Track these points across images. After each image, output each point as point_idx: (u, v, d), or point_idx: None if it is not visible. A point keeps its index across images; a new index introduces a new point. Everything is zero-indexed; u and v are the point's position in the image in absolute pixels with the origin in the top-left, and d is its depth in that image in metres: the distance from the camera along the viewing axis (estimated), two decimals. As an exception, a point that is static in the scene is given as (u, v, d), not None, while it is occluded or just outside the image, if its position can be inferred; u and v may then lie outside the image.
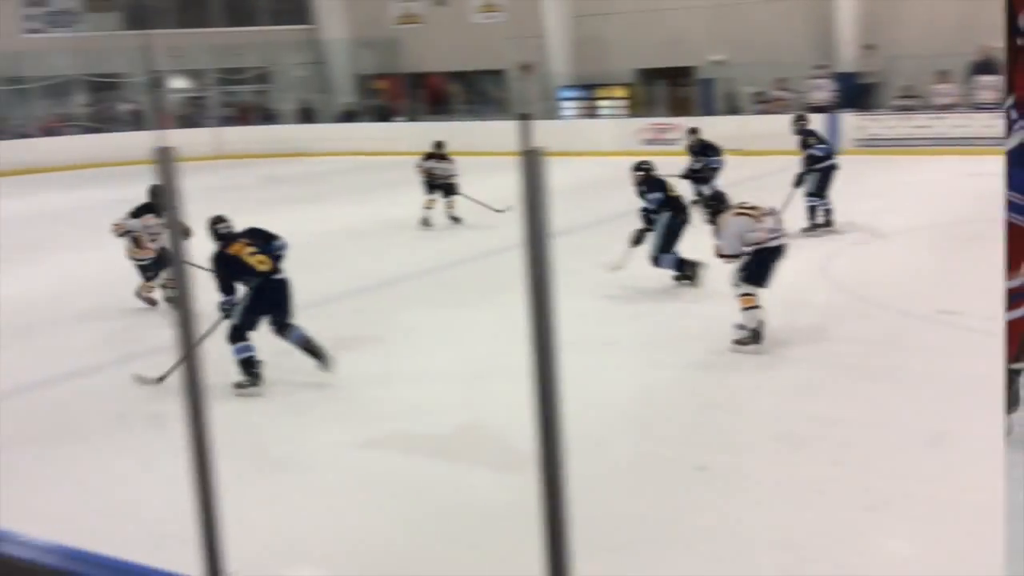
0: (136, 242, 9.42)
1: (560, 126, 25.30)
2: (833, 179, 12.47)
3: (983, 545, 4.24)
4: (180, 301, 2.81)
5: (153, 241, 9.44)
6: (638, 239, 9.82)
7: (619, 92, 26.36)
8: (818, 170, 12.35)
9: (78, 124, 28.77)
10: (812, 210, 12.42)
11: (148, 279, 9.51)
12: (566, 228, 11.34)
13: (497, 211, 13.94)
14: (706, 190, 13.27)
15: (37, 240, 14.60)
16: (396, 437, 6.10)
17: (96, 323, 9.45)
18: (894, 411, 6.23)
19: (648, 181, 9.87)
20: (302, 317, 9.31)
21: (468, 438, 6.07)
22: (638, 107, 25.86)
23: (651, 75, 25.66)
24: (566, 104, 26.91)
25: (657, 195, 9.74)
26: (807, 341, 7.88)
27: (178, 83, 31.05)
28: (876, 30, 22.71)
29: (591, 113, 26.58)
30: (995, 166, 5.20)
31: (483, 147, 23.33)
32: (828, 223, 12.43)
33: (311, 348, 7.24)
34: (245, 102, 30.74)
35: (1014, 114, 4.28)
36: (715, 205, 8.16)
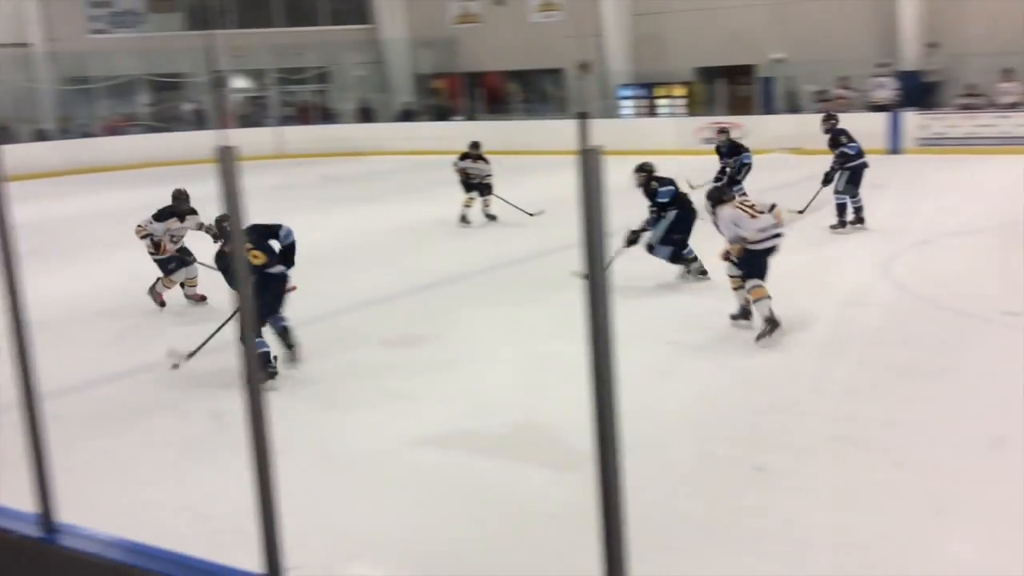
0: (156, 245, 9.58)
1: (619, 125, 25.23)
2: (863, 177, 12.45)
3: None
4: (239, 299, 2.83)
5: (174, 243, 9.62)
6: (633, 240, 9.82)
7: (678, 91, 26.22)
8: (849, 168, 12.39)
9: (141, 124, 29.23)
10: (842, 208, 12.48)
11: (169, 273, 9.66)
12: (624, 227, 11.29)
13: (530, 215, 14.18)
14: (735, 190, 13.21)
15: (100, 238, 14.85)
16: (454, 436, 6.11)
17: (158, 319, 9.58)
18: (955, 413, 6.11)
19: (655, 179, 9.93)
20: (363, 316, 9.43)
21: (525, 437, 6.06)
22: (697, 105, 25.69)
23: (710, 73, 25.47)
24: (625, 103, 26.82)
25: (668, 188, 9.82)
26: (868, 342, 7.77)
27: (239, 83, 31.43)
28: (939, 28, 22.36)
29: (650, 112, 26.46)
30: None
31: (541, 146, 23.37)
32: (860, 220, 12.47)
33: (288, 340, 7.53)
34: (305, 102, 31.02)
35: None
36: (716, 196, 8.35)
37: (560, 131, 22.73)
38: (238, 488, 3.45)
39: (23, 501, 3.60)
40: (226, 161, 2.75)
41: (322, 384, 7.26)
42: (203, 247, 9.16)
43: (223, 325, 7.61)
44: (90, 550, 3.35)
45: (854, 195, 12.43)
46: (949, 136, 20.95)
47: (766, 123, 22.68)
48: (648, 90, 26.63)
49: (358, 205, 17.33)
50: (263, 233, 7.56)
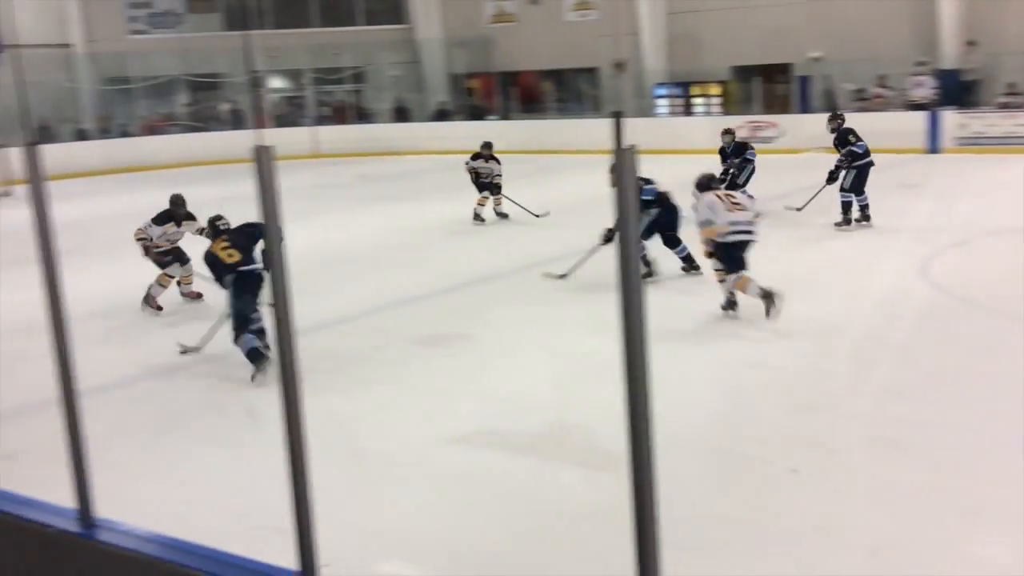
0: (145, 250, 9.70)
1: (654, 124, 25.14)
2: (868, 176, 12.61)
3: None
4: (276, 299, 2.85)
5: (170, 243, 9.90)
6: (610, 237, 9.92)
7: (714, 89, 26.09)
8: (856, 167, 12.55)
9: (180, 123, 29.48)
10: (847, 206, 12.60)
11: (164, 267, 9.77)
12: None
13: (536, 216, 14.33)
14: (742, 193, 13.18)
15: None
16: (486, 435, 6.12)
17: (195, 318, 9.66)
18: (991, 415, 6.04)
19: (638, 179, 9.83)
20: (395, 315, 9.47)
21: (557, 436, 6.06)
22: (733, 104, 25.55)
23: (747, 72, 25.32)
24: (660, 101, 26.73)
25: (652, 187, 10.12)
26: (904, 343, 7.71)
27: (276, 83, 31.62)
28: (978, 26, 22.11)
29: (685, 111, 26.36)
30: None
31: (575, 145, 23.35)
32: (866, 218, 12.61)
33: (262, 341, 7.62)
34: (341, 101, 31.16)
35: None
36: (704, 182, 8.89)
37: (594, 130, 22.71)
38: (273, 485, 3.47)
39: (62, 496, 3.64)
40: (263, 161, 2.78)
41: (354, 383, 7.30)
42: (199, 249, 9.24)
43: (211, 335, 8.05)
44: (127, 545, 3.39)
45: (860, 194, 12.55)
46: (988, 135, 20.70)
47: (802, 122, 22.49)
48: (684, 89, 26.53)
49: (391, 204, 17.39)
50: (249, 233, 7.78)
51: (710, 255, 8.57)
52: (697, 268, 9.95)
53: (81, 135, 27.96)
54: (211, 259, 7.73)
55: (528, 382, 7.16)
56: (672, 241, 10.24)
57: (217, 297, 8.04)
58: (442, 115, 29.09)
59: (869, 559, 4.41)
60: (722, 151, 14.12)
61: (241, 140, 22.50)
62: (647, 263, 10.11)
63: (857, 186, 12.53)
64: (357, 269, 11.81)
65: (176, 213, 9.87)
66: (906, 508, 4.86)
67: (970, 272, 9.97)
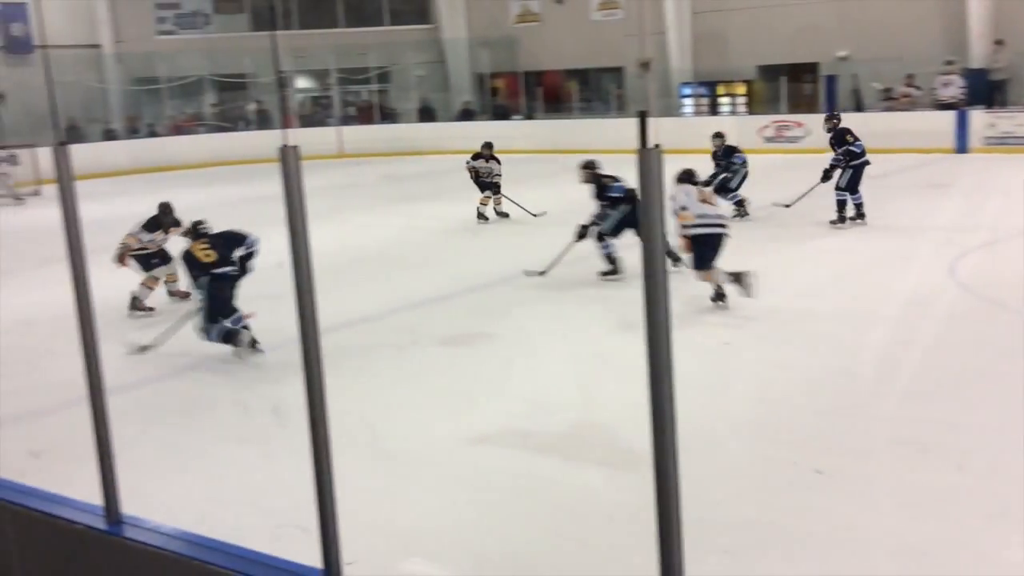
0: (121, 258, 9.73)
1: (679, 123, 25.07)
2: (863, 175, 12.76)
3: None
4: (300, 298, 2.86)
5: (157, 247, 10.04)
6: (583, 234, 10.31)
7: (740, 89, 26.00)
8: (853, 166, 12.70)
9: (207, 123, 29.64)
10: (842, 204, 12.76)
11: (151, 268, 9.83)
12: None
13: (533, 215, 14.48)
14: (730, 197, 13.39)
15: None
16: (510, 434, 6.12)
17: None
18: (1018, 417, 5.98)
19: (600, 177, 10.48)
20: (419, 314, 9.48)
21: (581, 436, 6.06)
22: (759, 104, 25.46)
23: (773, 71, 25.19)
24: (686, 101, 26.66)
25: (620, 185, 10.32)
26: (931, 344, 7.65)
27: (302, 83, 31.74)
28: (1007, 25, 21.93)
29: (711, 110, 26.27)
30: None
31: (600, 145, 23.27)
32: (860, 216, 12.76)
33: (233, 342, 8.00)
34: (366, 101, 31.24)
35: None
36: (686, 176, 9.19)
37: (619, 130, 22.67)
38: (297, 482, 3.49)
39: (89, 493, 3.67)
40: (288, 160, 2.79)
41: (378, 382, 7.32)
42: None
43: (175, 329, 8.30)
44: (153, 542, 3.41)
45: (854, 192, 12.72)
46: (1017, 135, 20.52)
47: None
48: (710, 88, 26.44)
49: (416, 204, 17.42)
50: (228, 238, 8.25)
51: (688, 249, 8.81)
52: (678, 259, 9.88)
53: (109, 135, 28.17)
54: (188, 258, 8.10)
55: (551, 382, 7.15)
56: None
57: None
58: (467, 115, 29.11)
59: (894, 561, 4.39)
60: (714, 155, 13.96)
61: (267, 140, 22.63)
62: (612, 261, 10.30)
63: (852, 185, 12.70)
64: (381, 268, 11.84)
65: (164, 220, 10.02)
66: (931, 510, 4.83)
67: (998, 272, 9.89)
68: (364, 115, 30.40)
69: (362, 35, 30.16)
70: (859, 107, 23.28)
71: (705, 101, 26.54)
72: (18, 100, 25.66)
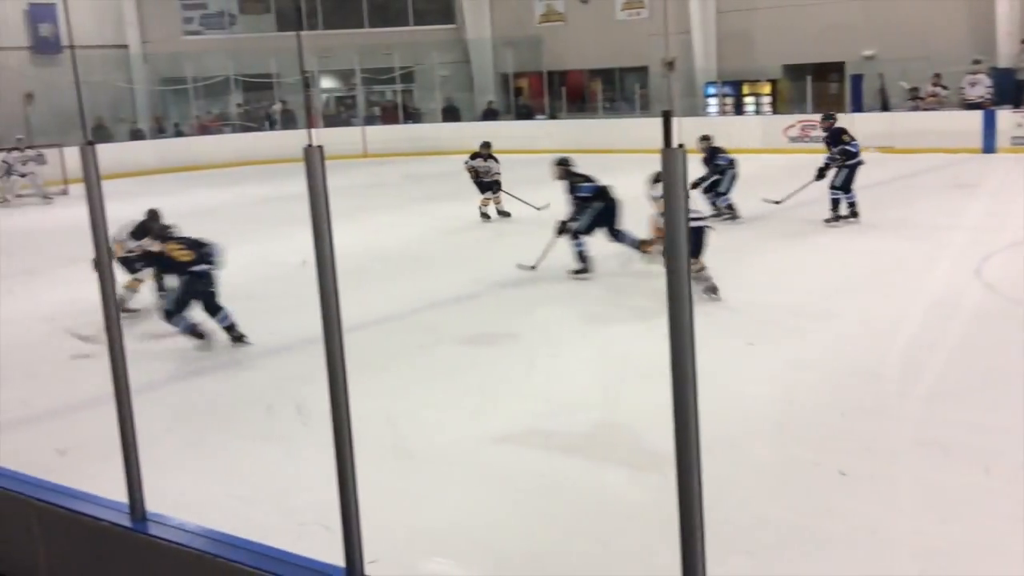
0: (95, 263, 9.69)
1: (704, 123, 24.94)
2: (857, 174, 12.91)
3: None
4: (324, 297, 2.87)
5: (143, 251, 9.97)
6: (562, 230, 10.55)
7: (765, 88, 25.87)
8: (848, 166, 12.86)
9: (232, 123, 29.78)
10: (836, 203, 12.93)
11: (135, 272, 9.79)
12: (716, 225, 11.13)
13: (536, 208, 14.52)
14: (721, 201, 13.43)
15: (191, 235, 15.14)
16: (532, 434, 6.12)
17: (248, 315, 9.76)
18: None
19: (573, 175, 10.78)
20: (442, 314, 9.50)
21: (604, 436, 6.05)
22: (784, 104, 25.33)
23: (798, 71, 25.05)
24: (711, 101, 26.56)
25: (590, 185, 10.64)
26: (957, 344, 7.59)
27: (327, 83, 31.83)
28: (1035, 24, 21.75)
29: (736, 110, 26.17)
30: None
31: (623, 144, 23.25)
32: (854, 214, 12.90)
33: (233, 333, 8.47)
34: (391, 101, 31.29)
35: None
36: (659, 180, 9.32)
37: (643, 130, 22.60)
38: (320, 481, 3.50)
39: (114, 491, 3.70)
40: (313, 160, 2.80)
41: (401, 381, 7.33)
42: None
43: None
44: (176, 539, 3.43)
45: (848, 191, 12.87)
46: (1045, 135, 20.35)
47: (853, 121, 22.25)
48: (735, 88, 26.33)
49: (440, 204, 17.42)
50: (196, 242, 8.60)
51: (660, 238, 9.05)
52: (644, 251, 10.22)
53: (136, 135, 28.34)
54: (164, 260, 8.53)
55: (575, 382, 7.15)
56: (618, 235, 10.62)
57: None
58: (491, 115, 29.10)
59: (917, 563, 4.36)
60: (703, 158, 13.86)
61: (292, 140, 22.70)
62: (583, 259, 10.49)
63: (846, 184, 12.85)
64: (405, 267, 11.86)
65: (151, 227, 10.01)
66: (956, 512, 4.79)
67: (1025, 274, 9.81)
68: (388, 115, 30.44)
69: (387, 35, 30.22)
70: (885, 107, 23.13)
71: (730, 101, 26.43)
72: (46, 100, 25.86)
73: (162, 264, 8.65)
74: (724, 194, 13.38)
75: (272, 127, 29.09)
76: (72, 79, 23.45)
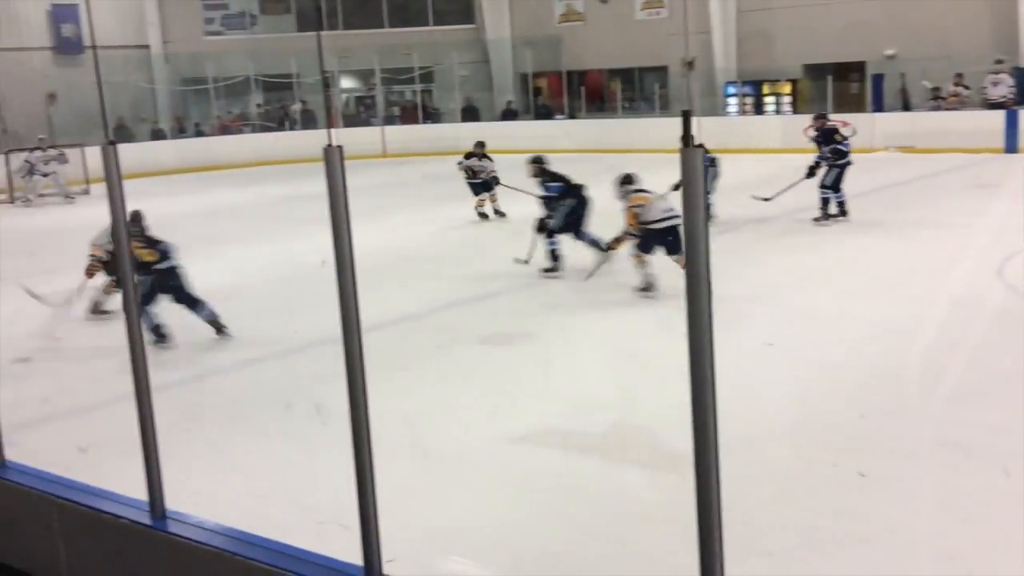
0: (92, 272, 9.70)
1: (724, 123, 24.92)
2: (846, 174, 13.05)
3: None
4: (343, 297, 2.88)
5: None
6: (541, 227, 10.84)
7: (785, 88, 25.79)
8: (839, 165, 13.00)
9: (253, 123, 29.89)
10: (826, 202, 13.09)
11: (112, 274, 9.75)
12: (728, 225, 11.20)
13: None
14: (707, 199, 13.10)
15: (213, 235, 15.22)
16: (550, 434, 6.12)
17: (265, 314, 9.81)
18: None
19: (545, 173, 11.07)
20: (460, 313, 9.51)
21: (621, 437, 6.04)
22: (805, 103, 25.22)
23: (819, 70, 24.95)
24: (730, 100, 26.50)
25: (557, 185, 10.94)
26: (978, 345, 7.54)
27: (347, 83, 31.91)
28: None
29: (756, 110, 26.09)
30: None
31: (643, 144, 23.21)
32: (843, 213, 13.07)
33: (215, 324, 8.64)
34: (410, 101, 31.34)
35: None
36: (627, 180, 9.99)
37: (663, 130, 22.56)
38: (338, 480, 3.51)
39: (134, 488, 3.72)
40: (333, 160, 2.81)
41: (420, 381, 7.35)
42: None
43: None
44: (196, 537, 3.45)
45: (837, 191, 13.05)
46: (1068, 135, 20.21)
47: (874, 121, 22.17)
48: (755, 88, 26.26)
49: (458, 203, 17.42)
50: (156, 241, 8.76)
51: (628, 237, 9.61)
52: (604, 250, 10.42)
53: (157, 135, 28.49)
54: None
55: (592, 382, 7.14)
56: (580, 234, 10.85)
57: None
58: (510, 115, 29.11)
59: (937, 565, 4.34)
60: None
61: (312, 140, 22.78)
62: (555, 258, 10.69)
63: (836, 183, 13.01)
64: (423, 267, 11.88)
65: (131, 230, 9.98)
66: (976, 514, 4.76)
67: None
68: (408, 115, 30.49)
69: (406, 35, 30.28)
70: (906, 106, 23.01)
71: (750, 101, 26.37)
72: (68, 100, 26.05)
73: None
74: (707, 193, 13.35)
75: (292, 127, 29.19)
76: (94, 79, 23.64)
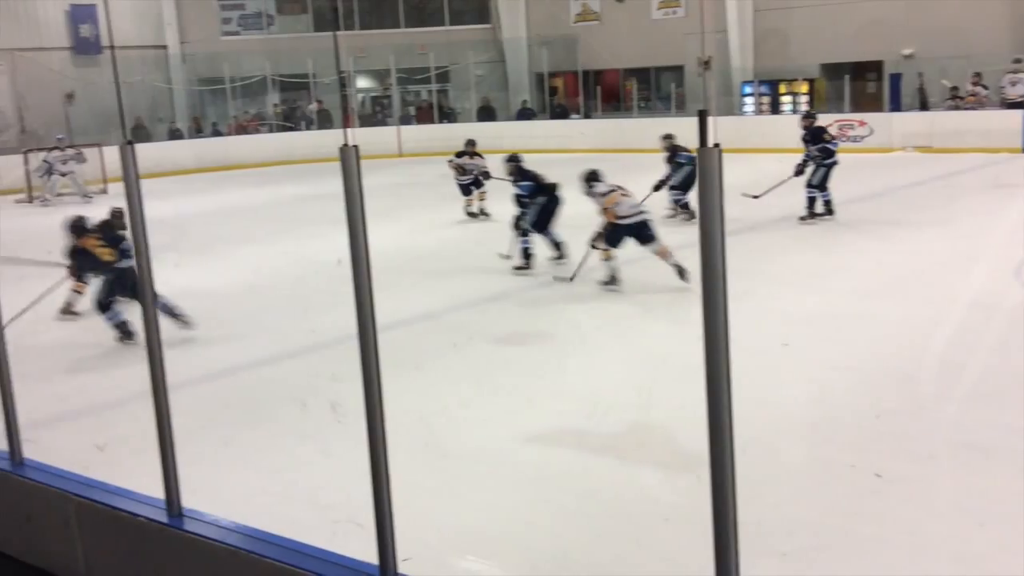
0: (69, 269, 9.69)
1: (740, 122, 24.86)
2: (832, 173, 13.19)
3: None
4: (359, 296, 2.89)
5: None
6: (517, 224, 11.15)
7: (802, 87, 25.71)
8: (827, 165, 13.12)
9: (269, 123, 29.98)
10: (812, 200, 13.22)
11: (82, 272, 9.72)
12: (746, 225, 11.16)
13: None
14: (685, 198, 13.61)
15: (229, 234, 15.30)
16: (565, 434, 6.12)
17: (282, 313, 9.84)
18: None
19: (519, 172, 11.33)
20: (475, 313, 9.51)
21: (637, 437, 6.03)
22: (822, 103, 25.14)
23: (836, 70, 24.86)
24: (747, 100, 26.43)
25: (528, 183, 11.16)
26: (995, 346, 7.50)
27: (363, 83, 31.97)
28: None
29: (773, 109, 26.01)
30: None
31: (658, 144, 23.16)
32: (830, 211, 13.20)
33: (174, 314, 8.64)
34: (426, 101, 31.38)
35: None
36: (593, 177, 10.23)
37: (679, 129, 22.52)
38: (354, 478, 3.52)
39: (150, 486, 3.74)
40: (349, 160, 2.82)
41: (435, 380, 7.35)
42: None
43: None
44: (212, 535, 3.46)
45: (824, 190, 13.17)
46: (1087, 134, 20.07)
47: (891, 120, 22.08)
48: (771, 87, 26.18)
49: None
50: (114, 237, 8.83)
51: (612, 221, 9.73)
52: (562, 257, 10.96)
53: (174, 135, 28.60)
54: (86, 255, 8.77)
55: (608, 382, 7.13)
56: (545, 232, 11.09)
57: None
58: (526, 114, 29.11)
59: (954, 567, 4.32)
60: (666, 157, 14.19)
61: (328, 140, 22.81)
62: (527, 256, 10.92)
63: (822, 182, 13.12)
64: (438, 266, 11.89)
65: (116, 226, 9.98)
66: (994, 516, 4.74)
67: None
68: (424, 115, 30.51)
69: (422, 35, 30.32)
70: (924, 106, 22.91)
71: (766, 100, 26.30)
72: (86, 100, 26.20)
73: (90, 261, 8.85)
74: (679, 190, 13.68)
75: (308, 127, 29.27)
76: (112, 79, 23.75)
